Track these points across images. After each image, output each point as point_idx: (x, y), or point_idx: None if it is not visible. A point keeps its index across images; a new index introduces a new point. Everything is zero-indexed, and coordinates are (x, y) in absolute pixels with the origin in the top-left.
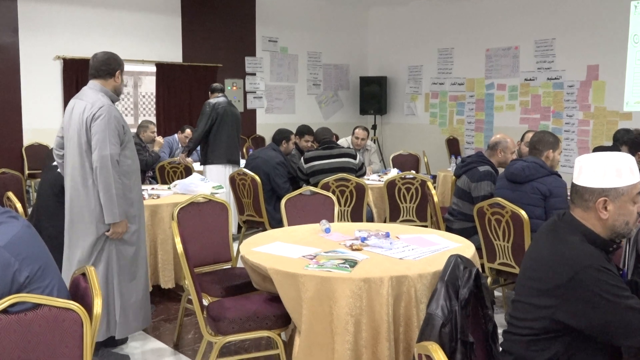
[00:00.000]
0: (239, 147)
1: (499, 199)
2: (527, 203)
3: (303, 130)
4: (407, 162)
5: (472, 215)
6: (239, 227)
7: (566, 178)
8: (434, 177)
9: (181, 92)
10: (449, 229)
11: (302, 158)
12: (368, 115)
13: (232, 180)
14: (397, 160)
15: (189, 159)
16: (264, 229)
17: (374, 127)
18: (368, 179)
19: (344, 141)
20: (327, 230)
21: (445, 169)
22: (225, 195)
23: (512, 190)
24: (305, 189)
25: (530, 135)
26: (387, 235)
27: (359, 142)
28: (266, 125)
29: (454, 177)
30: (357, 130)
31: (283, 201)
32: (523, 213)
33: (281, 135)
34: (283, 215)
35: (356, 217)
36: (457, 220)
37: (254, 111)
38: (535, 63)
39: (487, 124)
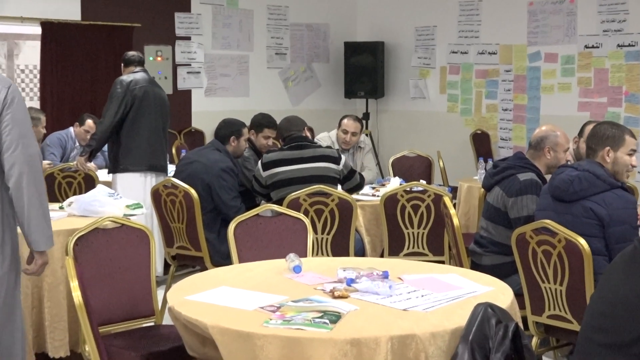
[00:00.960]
0: (166, 147)
1: (548, 221)
2: (580, 232)
3: (261, 122)
4: (414, 167)
5: (508, 245)
6: (166, 265)
7: None
8: (454, 190)
9: (79, 64)
10: (475, 266)
11: (259, 162)
12: (357, 99)
13: (156, 195)
14: (399, 165)
15: (91, 164)
16: (204, 268)
17: (366, 116)
18: (358, 194)
19: (325, 137)
20: (297, 269)
21: (469, 178)
22: (146, 218)
23: (557, 213)
24: (265, 207)
25: (589, 126)
26: (386, 275)
27: (349, 139)
28: (206, 115)
29: (482, 189)
30: (345, 121)
31: (232, 226)
32: (583, 242)
33: (229, 130)
34: (232, 247)
35: (340, 249)
36: (487, 253)
37: (187, 93)
38: (600, 23)
39: (530, 111)
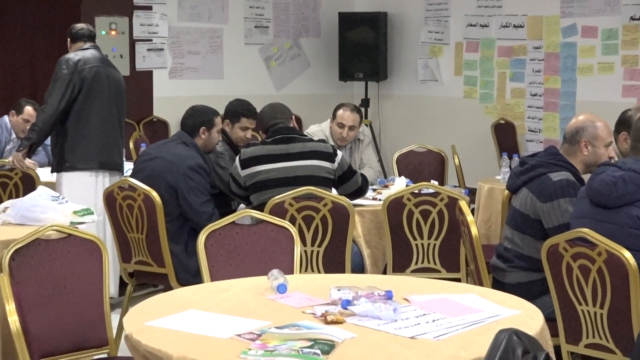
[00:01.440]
0: (122, 141)
1: (586, 230)
2: (625, 244)
3: (237, 110)
4: (423, 165)
5: (538, 259)
6: (122, 284)
7: None
8: (472, 193)
9: (15, 40)
10: (498, 285)
11: (237, 159)
12: (354, 82)
13: (110, 199)
14: (406, 162)
15: (30, 161)
16: (168, 288)
17: (365, 103)
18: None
19: (317, 132)
20: (282, 289)
21: (491, 178)
22: (98, 226)
23: (596, 221)
24: (243, 214)
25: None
26: (389, 296)
27: (346, 135)
28: (171, 101)
29: (506, 192)
30: (341, 112)
31: (202, 236)
32: (628, 256)
33: (198, 119)
34: (202, 262)
35: (334, 264)
36: (512, 269)
37: (148, 75)
38: None
39: (564, 97)
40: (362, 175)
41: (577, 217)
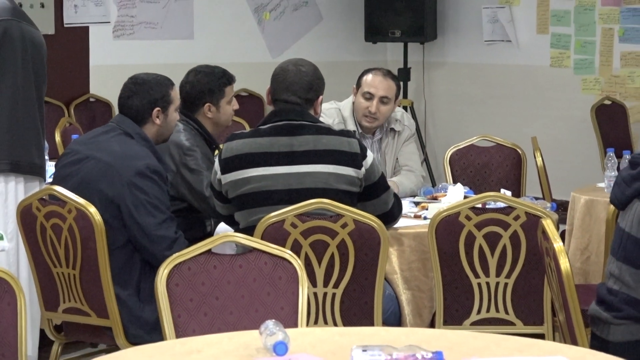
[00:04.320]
0: (44, 131)
1: None
2: None
3: (216, 82)
4: (490, 167)
5: None
6: (44, 340)
7: None
8: (562, 208)
9: None
10: (600, 343)
11: (218, 156)
12: (388, 44)
13: (28, 217)
14: (464, 162)
15: None
16: (113, 346)
17: (404, 74)
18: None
19: (332, 112)
20: (281, 349)
21: (591, 186)
22: (9, 257)
23: None
24: (223, 239)
25: None
26: (439, 359)
27: (377, 110)
28: (116, 72)
29: (612, 206)
30: (371, 77)
31: (162, 272)
32: None
33: (147, 96)
34: (162, 310)
35: (357, 312)
36: (620, 321)
37: (82, 33)
38: None
39: None
40: (396, 197)
41: None
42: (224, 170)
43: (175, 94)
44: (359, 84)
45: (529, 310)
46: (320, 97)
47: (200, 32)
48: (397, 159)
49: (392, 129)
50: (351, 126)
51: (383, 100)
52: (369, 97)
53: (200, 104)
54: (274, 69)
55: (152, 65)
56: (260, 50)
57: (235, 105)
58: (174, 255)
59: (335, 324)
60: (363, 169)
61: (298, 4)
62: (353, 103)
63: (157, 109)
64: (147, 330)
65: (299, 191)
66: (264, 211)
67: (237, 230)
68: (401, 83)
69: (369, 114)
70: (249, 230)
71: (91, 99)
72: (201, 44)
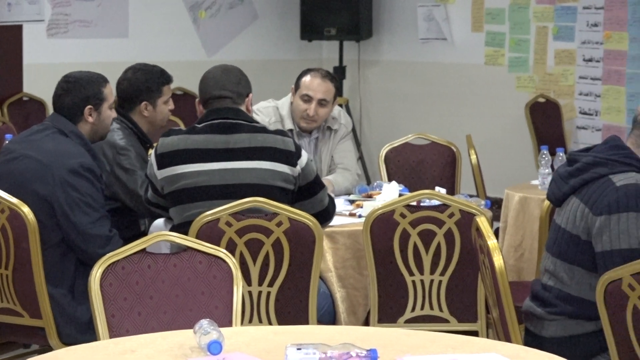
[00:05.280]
0: None
1: None
2: None
3: (154, 81)
4: (425, 165)
5: (592, 302)
6: None
7: None
8: (496, 206)
9: None
10: (533, 339)
11: (152, 154)
12: (324, 43)
13: None
14: (399, 160)
15: None
16: (46, 347)
17: (340, 72)
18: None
19: (268, 110)
20: (215, 348)
21: (525, 184)
22: None
23: None
24: (157, 238)
25: None
26: (373, 357)
27: (314, 113)
28: (50, 71)
29: (547, 203)
30: (309, 79)
31: (96, 272)
32: None
33: (80, 94)
34: (96, 310)
35: (292, 310)
36: (554, 317)
37: (15, 32)
38: None
39: (634, 62)
40: (330, 197)
41: None
42: (160, 165)
43: (109, 91)
44: (297, 85)
45: (463, 307)
46: (250, 95)
47: (135, 30)
48: (332, 157)
49: (329, 128)
50: (289, 125)
51: (321, 102)
52: (307, 99)
53: (137, 101)
54: (203, 77)
55: (87, 64)
56: (195, 49)
57: (171, 105)
58: (108, 255)
59: (270, 323)
60: (298, 167)
61: (233, 2)
62: (291, 103)
63: (89, 106)
64: (80, 330)
65: (234, 186)
66: (198, 207)
67: (170, 228)
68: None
69: (307, 117)
70: (183, 226)
71: (25, 98)
72: (136, 43)
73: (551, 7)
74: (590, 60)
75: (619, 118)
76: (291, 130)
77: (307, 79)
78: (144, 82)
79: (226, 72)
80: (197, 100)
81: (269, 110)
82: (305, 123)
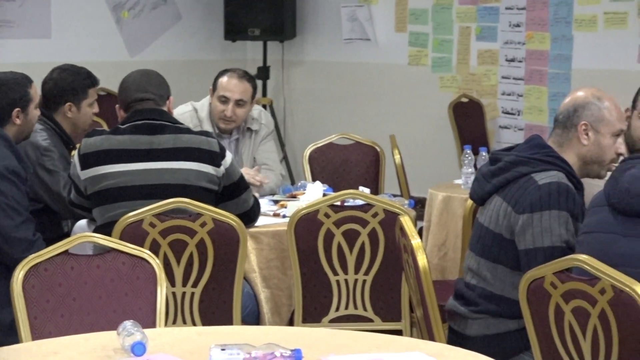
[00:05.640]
0: None
1: (584, 257)
2: None
3: (79, 82)
4: (349, 164)
5: (515, 300)
6: None
7: None
8: (420, 205)
9: None
10: (457, 338)
11: (76, 154)
12: (248, 43)
13: None
14: (323, 160)
15: None
16: None
17: (263, 73)
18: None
19: (187, 115)
20: (138, 349)
21: (448, 183)
22: None
23: (623, 236)
24: (80, 239)
25: None
26: (297, 357)
27: (232, 114)
28: None
29: (470, 202)
30: (225, 80)
31: (18, 274)
32: None
33: (6, 97)
34: (18, 311)
35: (216, 312)
36: (477, 316)
37: None
38: None
39: (556, 62)
40: (254, 197)
41: (590, 232)
42: (83, 166)
43: (34, 91)
44: (215, 86)
45: (387, 306)
46: (171, 98)
47: (57, 30)
48: (254, 158)
49: (249, 129)
50: (208, 127)
51: (239, 103)
52: (225, 100)
53: (61, 102)
54: (122, 82)
55: (9, 65)
56: (118, 49)
57: (95, 109)
58: (31, 257)
59: (194, 324)
60: (222, 168)
61: (157, 2)
62: (210, 106)
63: (17, 109)
64: (3, 333)
65: (158, 187)
66: (121, 207)
67: (93, 229)
68: (260, 81)
69: (225, 117)
70: (107, 227)
71: None
72: (58, 43)
73: (474, 8)
74: (512, 60)
75: (541, 117)
76: (215, 136)
77: (224, 79)
78: (69, 82)
79: (146, 75)
80: (117, 106)
81: (185, 117)
82: (223, 124)
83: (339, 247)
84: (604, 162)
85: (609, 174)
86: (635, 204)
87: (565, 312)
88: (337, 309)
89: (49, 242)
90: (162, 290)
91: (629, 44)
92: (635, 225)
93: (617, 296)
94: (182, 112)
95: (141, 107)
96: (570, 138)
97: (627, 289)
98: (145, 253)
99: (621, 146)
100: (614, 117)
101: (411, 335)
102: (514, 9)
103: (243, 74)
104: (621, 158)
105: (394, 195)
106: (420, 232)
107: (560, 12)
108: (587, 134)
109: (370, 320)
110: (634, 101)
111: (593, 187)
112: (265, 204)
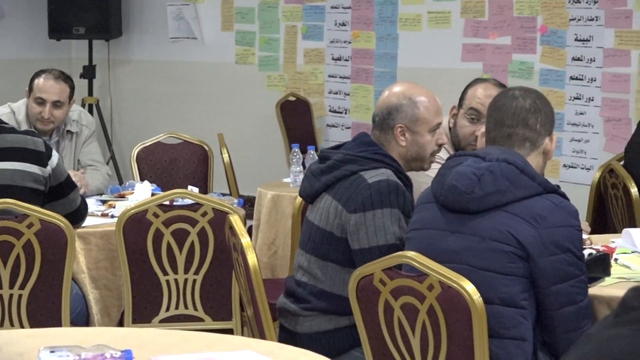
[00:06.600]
0: None
1: (412, 254)
2: (487, 265)
3: None
4: (177, 164)
5: (346, 297)
6: None
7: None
8: (249, 204)
9: None
10: (287, 336)
11: None
12: (73, 42)
13: None
14: (151, 159)
15: None
16: None
17: (89, 72)
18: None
19: (4, 115)
20: None
21: (277, 182)
22: None
23: (450, 232)
24: None
25: (491, 90)
26: (128, 358)
27: (49, 115)
28: None
29: (299, 200)
30: (42, 81)
31: None
32: (469, 289)
33: None
34: None
35: (44, 313)
36: (308, 313)
37: None
38: None
39: (382, 61)
40: (82, 197)
41: (418, 229)
42: None
43: None
44: (30, 87)
45: (217, 305)
46: None
47: None
48: (79, 160)
49: (69, 131)
50: (25, 127)
51: (56, 104)
52: (41, 102)
53: None
54: None
55: None
56: None
57: None
58: None
59: (22, 326)
60: (49, 168)
61: None
62: (27, 107)
63: None
64: None
65: None
66: None
67: None
68: (86, 81)
69: (42, 120)
70: None
71: None
72: None
73: (300, 7)
74: (339, 59)
75: (367, 116)
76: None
77: (40, 81)
78: None
79: None
80: None
81: (2, 119)
82: (41, 125)
83: (169, 246)
84: (425, 158)
85: (433, 165)
86: (461, 201)
87: (395, 309)
88: (168, 309)
89: None
90: None
91: (453, 43)
92: (462, 222)
93: (444, 292)
94: (2, 113)
95: None
96: (389, 140)
97: (455, 285)
98: None
99: (441, 136)
100: (429, 114)
101: (242, 334)
102: (340, 7)
103: (59, 75)
104: (444, 147)
105: (223, 194)
106: (249, 231)
107: (385, 11)
108: (404, 135)
109: (201, 320)
110: (460, 99)
111: (420, 185)
112: (93, 204)
